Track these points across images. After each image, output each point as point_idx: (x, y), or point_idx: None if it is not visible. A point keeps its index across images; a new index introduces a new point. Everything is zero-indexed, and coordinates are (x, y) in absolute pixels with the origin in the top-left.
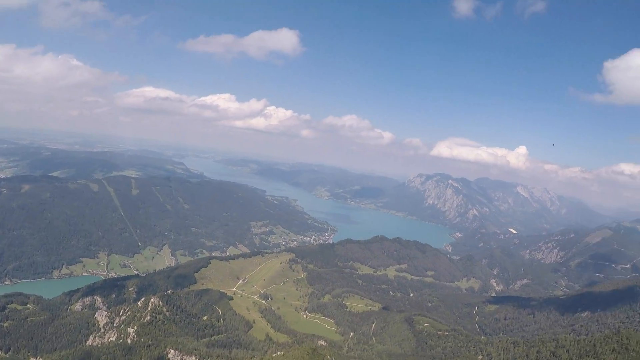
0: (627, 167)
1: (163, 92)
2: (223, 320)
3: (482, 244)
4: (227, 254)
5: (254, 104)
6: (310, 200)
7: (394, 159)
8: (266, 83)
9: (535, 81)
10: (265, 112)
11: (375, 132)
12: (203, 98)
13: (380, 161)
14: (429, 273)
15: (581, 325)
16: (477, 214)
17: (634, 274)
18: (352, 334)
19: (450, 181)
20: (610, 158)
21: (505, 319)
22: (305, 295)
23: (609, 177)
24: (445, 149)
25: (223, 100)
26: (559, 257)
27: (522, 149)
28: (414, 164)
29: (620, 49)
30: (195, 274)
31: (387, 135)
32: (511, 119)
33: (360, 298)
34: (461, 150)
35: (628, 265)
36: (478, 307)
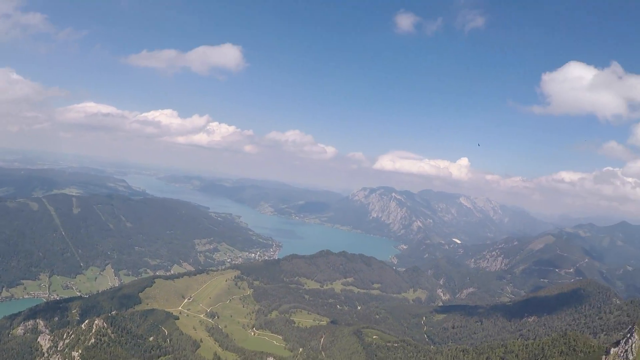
0: (567, 175)
1: (105, 108)
2: (169, 341)
3: (427, 254)
4: (172, 272)
5: (197, 120)
6: (255, 216)
7: (338, 173)
8: (209, 98)
9: (475, 94)
10: (208, 127)
11: (319, 147)
12: (145, 114)
13: (324, 175)
14: (376, 285)
15: (529, 330)
16: (421, 225)
17: (577, 278)
18: (301, 349)
19: (393, 194)
20: (550, 167)
21: (453, 328)
22: (252, 312)
23: (549, 186)
24: (388, 162)
25: (165, 116)
26: (503, 264)
27: (464, 161)
28: (357, 178)
29: (558, 62)
30: (140, 294)
31: (330, 150)
32: (452, 131)
33: (308, 313)
34: (404, 163)
35: (571, 270)
36: (426, 317)
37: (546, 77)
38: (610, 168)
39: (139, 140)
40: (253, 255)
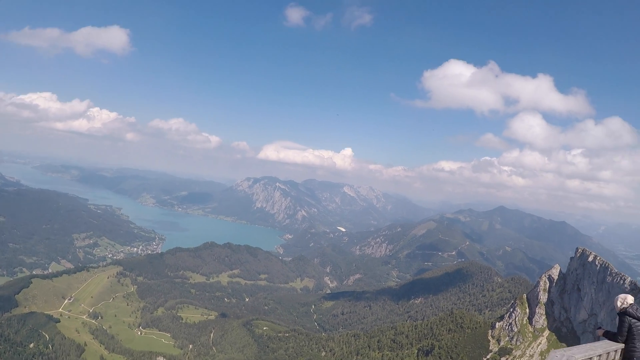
0: (446, 164)
1: None
2: (52, 347)
3: (312, 243)
4: (50, 271)
5: (77, 105)
6: (136, 208)
7: (222, 162)
8: (91, 82)
9: (360, 87)
10: (89, 113)
11: (203, 136)
12: (22, 96)
13: (208, 165)
14: (263, 276)
15: (416, 311)
16: (306, 214)
17: (460, 260)
18: (191, 346)
19: (277, 184)
20: (430, 157)
21: (343, 314)
22: (138, 310)
23: (430, 174)
24: (273, 152)
25: (43, 100)
26: (388, 250)
27: (347, 151)
28: (241, 168)
29: (438, 60)
30: (17, 295)
31: (215, 139)
32: (337, 122)
33: (196, 308)
34: (288, 153)
35: (453, 253)
36: (315, 305)
37: (427, 73)
38: (488, 158)
39: (14, 124)
40: (135, 249)
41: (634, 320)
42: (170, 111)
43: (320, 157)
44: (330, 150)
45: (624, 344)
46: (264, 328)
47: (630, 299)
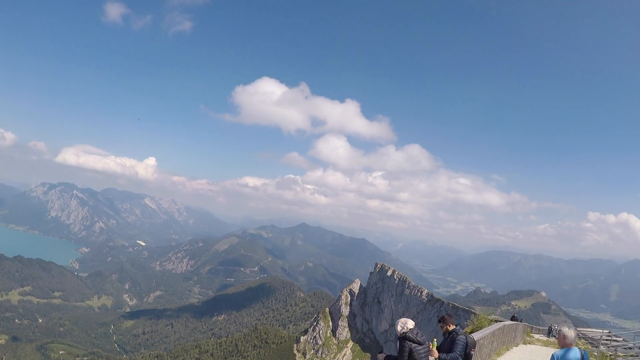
0: (251, 180)
1: None
2: None
3: (110, 258)
4: None
5: None
6: None
7: (16, 164)
8: None
9: (170, 95)
10: None
11: None
12: None
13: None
14: (57, 294)
15: (220, 328)
16: (104, 226)
17: (262, 275)
18: None
19: (75, 191)
20: (236, 171)
21: (144, 334)
22: None
23: (234, 189)
24: (72, 156)
25: None
26: (189, 266)
27: (151, 160)
28: (37, 171)
29: (252, 76)
30: None
31: (9, 136)
32: (141, 129)
33: None
34: (89, 158)
35: (256, 268)
36: (114, 325)
37: (239, 88)
38: (292, 176)
39: None
40: None
41: (414, 345)
42: None
43: (122, 165)
44: (133, 159)
45: None
46: (60, 352)
47: (410, 323)
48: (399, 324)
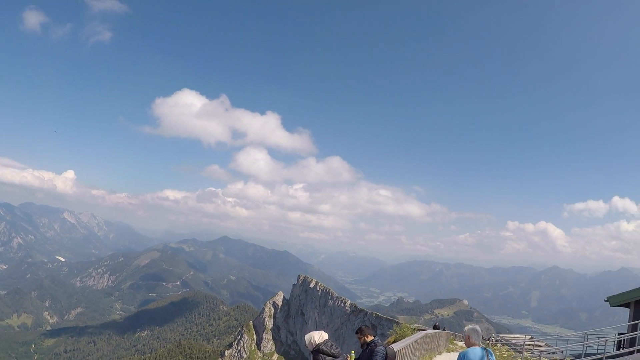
0: (171, 193)
1: None
2: None
3: (29, 274)
4: None
5: None
6: None
7: None
8: None
9: (88, 106)
10: None
11: None
12: None
13: None
14: None
15: (144, 344)
16: (22, 242)
17: (185, 290)
18: None
19: None
20: (156, 184)
21: (65, 352)
22: None
23: (154, 202)
24: None
25: None
26: (110, 281)
27: (70, 173)
28: None
29: (172, 88)
30: None
31: None
32: (59, 141)
33: None
34: (5, 172)
35: (178, 283)
36: (35, 344)
37: (159, 100)
38: (213, 188)
39: None
40: None
41: (329, 358)
42: None
43: (41, 179)
44: (52, 172)
45: None
46: None
47: (324, 335)
48: (307, 337)
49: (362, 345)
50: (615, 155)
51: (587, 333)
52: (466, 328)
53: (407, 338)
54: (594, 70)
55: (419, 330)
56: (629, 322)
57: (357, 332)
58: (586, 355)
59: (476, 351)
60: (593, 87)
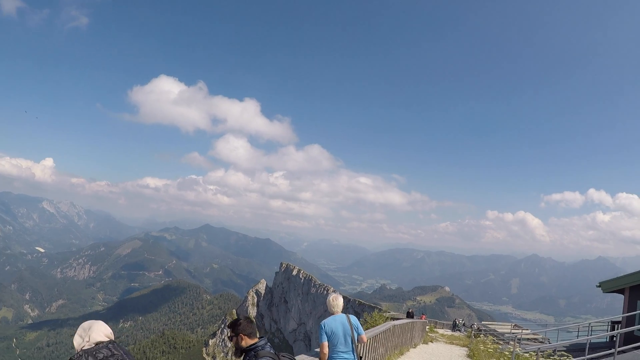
0: (152, 181)
1: None
2: None
3: (8, 266)
4: None
5: None
6: None
7: None
8: None
9: (66, 93)
10: None
11: None
12: None
13: None
14: None
15: (127, 335)
16: (0, 233)
17: (167, 279)
18: None
19: None
20: (136, 172)
21: (48, 346)
22: None
23: (135, 190)
24: None
25: None
26: (91, 272)
27: (49, 161)
28: None
29: (149, 74)
30: None
31: None
32: (37, 128)
33: None
34: None
35: (160, 272)
36: (17, 338)
37: (137, 87)
38: (194, 176)
39: None
40: None
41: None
42: None
43: (18, 167)
44: (30, 160)
45: None
46: None
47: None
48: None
49: (235, 352)
50: (590, 148)
51: (591, 324)
52: (328, 298)
53: (367, 330)
54: (572, 61)
55: (393, 319)
56: (623, 308)
57: (229, 327)
58: (591, 347)
59: (336, 317)
60: (572, 79)
